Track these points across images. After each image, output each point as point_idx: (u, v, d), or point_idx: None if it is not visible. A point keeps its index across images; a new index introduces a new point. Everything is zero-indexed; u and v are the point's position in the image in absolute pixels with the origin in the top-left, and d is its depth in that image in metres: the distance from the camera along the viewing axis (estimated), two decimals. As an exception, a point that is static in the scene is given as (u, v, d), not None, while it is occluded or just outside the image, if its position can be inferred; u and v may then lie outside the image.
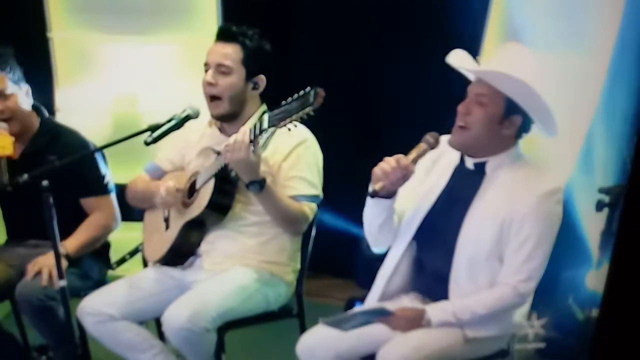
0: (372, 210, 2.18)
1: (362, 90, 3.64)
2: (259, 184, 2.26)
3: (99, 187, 2.69)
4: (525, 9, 3.14)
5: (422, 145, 2.11)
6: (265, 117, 2.16)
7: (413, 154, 2.10)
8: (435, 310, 2.14)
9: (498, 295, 2.13)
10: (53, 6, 3.65)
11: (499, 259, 2.13)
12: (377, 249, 2.31)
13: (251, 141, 2.20)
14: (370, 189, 2.10)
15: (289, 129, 2.12)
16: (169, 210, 2.51)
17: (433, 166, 2.26)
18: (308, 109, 2.04)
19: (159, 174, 2.60)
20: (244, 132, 2.22)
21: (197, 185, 2.42)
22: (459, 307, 2.13)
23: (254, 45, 2.41)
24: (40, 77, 2.76)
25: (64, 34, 3.68)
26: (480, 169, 2.18)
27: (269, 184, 2.29)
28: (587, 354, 2.79)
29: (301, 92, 2.08)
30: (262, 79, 2.43)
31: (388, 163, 2.06)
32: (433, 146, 2.13)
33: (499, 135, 2.14)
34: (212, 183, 2.36)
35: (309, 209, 2.42)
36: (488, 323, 2.17)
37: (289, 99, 2.11)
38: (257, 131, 2.19)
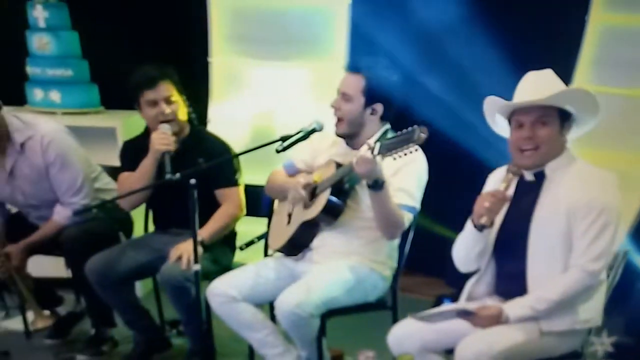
0: (474, 240, 2.35)
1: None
2: (380, 185, 2.46)
3: (230, 179, 3.00)
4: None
5: (509, 176, 2.31)
6: (377, 145, 2.38)
7: (505, 183, 2.30)
8: (511, 307, 2.26)
9: (570, 278, 2.25)
10: (215, 35, 4.06)
11: (570, 247, 2.27)
12: (466, 270, 2.47)
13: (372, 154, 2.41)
14: (471, 223, 2.30)
15: (394, 159, 2.35)
16: (293, 207, 2.78)
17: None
18: (411, 146, 2.27)
19: (294, 171, 2.86)
20: (365, 150, 2.42)
21: (317, 191, 2.68)
22: (534, 299, 2.25)
23: (375, 77, 2.65)
24: (199, 93, 3.14)
25: (222, 58, 4.09)
26: (540, 176, 2.35)
27: (386, 186, 2.48)
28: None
29: (409, 129, 2.29)
30: (379, 106, 2.67)
31: (487, 200, 2.26)
32: (518, 174, 2.33)
33: (559, 142, 2.33)
34: (328, 191, 2.61)
35: (407, 219, 2.61)
36: (562, 315, 2.26)
37: (398, 133, 2.34)
38: (375, 152, 2.39)
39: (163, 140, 2.88)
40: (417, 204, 2.66)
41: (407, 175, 2.62)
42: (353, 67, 2.71)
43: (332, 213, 2.65)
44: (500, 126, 2.44)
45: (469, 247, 2.39)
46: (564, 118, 2.33)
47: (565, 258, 2.28)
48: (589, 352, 2.32)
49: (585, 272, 2.24)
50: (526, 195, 2.36)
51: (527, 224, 2.33)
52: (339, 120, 2.70)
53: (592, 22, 3.40)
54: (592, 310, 2.32)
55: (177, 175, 2.61)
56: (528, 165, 2.34)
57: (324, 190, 2.64)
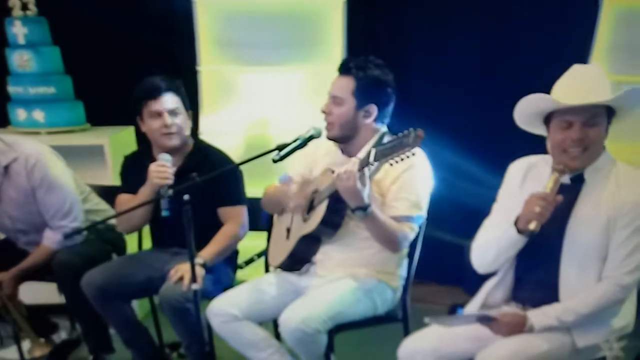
0: (512, 244, 2.21)
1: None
2: (364, 210, 2.38)
3: (235, 198, 2.91)
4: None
5: (555, 176, 2.17)
6: (373, 151, 2.28)
7: (550, 186, 2.15)
8: (538, 316, 2.17)
9: (601, 291, 2.15)
10: (203, 42, 3.94)
11: (606, 257, 2.16)
12: (485, 272, 2.35)
13: (359, 170, 2.32)
14: (514, 227, 2.16)
15: (391, 164, 2.25)
16: (291, 221, 2.69)
17: (523, 181, 2.31)
18: (407, 150, 2.18)
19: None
20: (354, 162, 2.35)
21: (315, 203, 2.59)
22: (561, 310, 2.15)
23: (367, 77, 2.55)
24: (189, 104, 3.05)
25: (211, 66, 3.97)
26: (578, 179, 2.22)
27: (373, 209, 2.40)
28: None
29: (404, 132, 2.20)
30: (372, 108, 2.56)
31: (537, 204, 2.11)
32: (564, 172, 2.18)
33: (602, 142, 2.20)
34: (326, 202, 2.51)
35: (410, 228, 2.51)
36: (596, 328, 2.16)
37: (394, 137, 2.24)
38: (365, 163, 2.31)
39: (161, 173, 2.76)
40: (421, 211, 2.55)
41: (408, 183, 2.51)
42: (343, 69, 2.60)
43: (331, 225, 2.55)
44: (533, 125, 2.27)
45: (501, 251, 2.25)
46: (610, 116, 2.19)
47: (600, 268, 2.17)
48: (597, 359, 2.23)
49: (619, 285, 2.14)
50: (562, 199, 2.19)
51: (561, 229, 2.20)
52: (330, 124, 2.60)
53: (606, 6, 3.28)
54: (625, 318, 2.22)
55: (170, 191, 2.52)
56: (575, 167, 2.20)
57: (321, 202, 2.54)
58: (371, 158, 2.28)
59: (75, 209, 3.12)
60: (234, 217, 2.90)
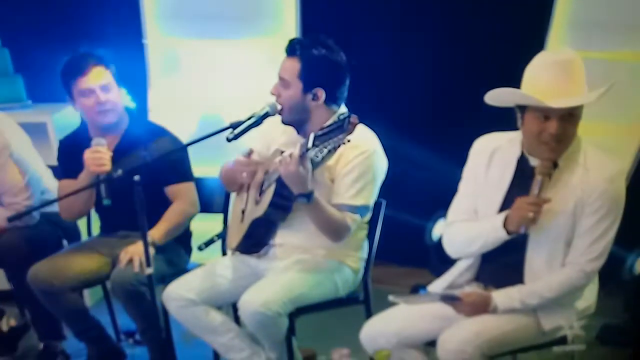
0: (498, 241, 2.19)
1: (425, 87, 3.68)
2: (306, 197, 2.32)
3: (182, 175, 2.83)
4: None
5: (539, 178, 2.14)
6: (312, 136, 2.23)
7: (537, 188, 2.13)
8: (502, 297, 2.17)
9: (565, 276, 2.16)
10: (149, 14, 3.82)
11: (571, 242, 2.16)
12: (458, 257, 2.33)
13: (301, 156, 2.26)
14: (503, 228, 2.14)
15: (330, 151, 2.19)
16: (246, 203, 2.62)
17: (489, 165, 2.28)
18: (342, 136, 2.14)
19: None
20: (298, 147, 2.28)
21: (264, 187, 2.52)
22: (526, 292, 2.16)
23: (313, 59, 2.45)
24: (136, 80, 2.93)
25: (157, 40, 3.85)
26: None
27: (317, 197, 2.35)
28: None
29: (339, 118, 2.17)
30: (320, 92, 2.47)
31: (529, 210, 2.10)
32: (549, 175, 2.15)
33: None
34: (274, 186, 2.43)
35: (351, 220, 2.45)
36: (561, 310, 2.18)
37: (330, 123, 2.21)
38: (305, 148, 2.25)
39: (97, 160, 2.66)
40: (367, 201, 2.49)
41: (356, 169, 2.45)
42: (289, 50, 2.50)
43: (280, 208, 2.48)
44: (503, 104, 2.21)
45: (487, 246, 2.22)
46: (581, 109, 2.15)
47: (566, 252, 2.18)
48: (558, 339, 2.25)
49: (583, 272, 2.16)
50: (530, 183, 2.16)
51: None
52: (281, 106, 2.50)
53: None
54: (588, 300, 2.25)
55: (119, 172, 2.41)
56: (551, 158, 2.16)
57: (269, 185, 2.47)
58: (310, 143, 2.22)
59: (32, 187, 3.00)
60: (183, 194, 2.82)
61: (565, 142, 2.15)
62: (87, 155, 2.67)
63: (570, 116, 2.11)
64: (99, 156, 2.66)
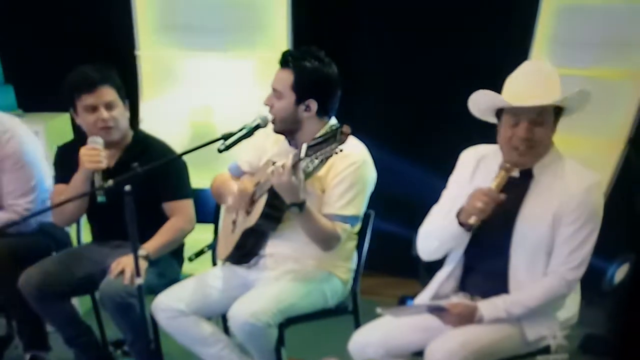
0: (453, 236, 2.24)
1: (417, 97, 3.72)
2: (299, 207, 2.35)
3: (180, 191, 2.83)
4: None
5: (502, 173, 2.19)
6: (304, 146, 2.25)
7: (496, 183, 2.18)
8: (487, 307, 2.20)
9: (547, 286, 2.19)
10: (142, 26, 3.83)
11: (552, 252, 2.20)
12: (429, 259, 2.37)
13: (293, 166, 2.29)
14: (456, 219, 2.18)
15: (322, 161, 2.22)
16: (237, 213, 2.63)
17: (474, 172, 2.33)
18: (334, 146, 2.17)
19: (239, 173, 2.72)
20: (290, 157, 2.30)
21: (255, 197, 2.54)
22: (510, 302, 2.19)
23: (306, 71, 2.48)
24: (128, 91, 2.93)
25: (150, 52, 3.86)
26: (526, 174, 2.25)
27: (308, 207, 2.37)
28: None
29: (331, 129, 2.20)
30: (312, 103, 2.50)
31: (480, 200, 2.14)
32: (510, 171, 2.20)
33: (550, 139, 2.23)
34: (265, 196, 2.46)
35: (342, 229, 2.49)
36: (544, 321, 2.21)
37: (322, 132, 2.24)
38: (297, 158, 2.28)
39: (92, 157, 2.67)
40: (357, 211, 2.52)
41: (347, 180, 2.48)
42: (282, 62, 2.54)
43: (271, 219, 2.50)
44: (486, 116, 2.28)
45: (443, 241, 2.28)
46: (557, 114, 2.21)
47: (547, 262, 2.21)
48: (541, 349, 2.28)
49: (564, 280, 2.20)
50: (510, 192, 2.21)
51: (511, 223, 2.23)
52: (273, 117, 2.54)
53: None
54: (570, 310, 2.28)
55: (110, 181, 2.40)
56: (523, 164, 2.22)
57: (261, 196, 2.49)
58: (302, 153, 2.25)
59: (35, 192, 3.00)
60: (181, 211, 2.83)
61: (536, 148, 2.20)
62: (83, 152, 2.68)
63: (539, 122, 2.16)
64: (94, 153, 2.67)
